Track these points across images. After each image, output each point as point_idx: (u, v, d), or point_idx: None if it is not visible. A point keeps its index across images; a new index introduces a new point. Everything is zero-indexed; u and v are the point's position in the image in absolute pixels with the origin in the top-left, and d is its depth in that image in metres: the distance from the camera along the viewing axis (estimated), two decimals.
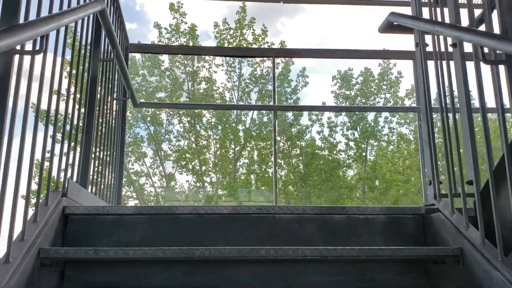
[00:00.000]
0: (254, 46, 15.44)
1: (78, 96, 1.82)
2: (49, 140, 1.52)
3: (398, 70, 16.00)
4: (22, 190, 1.28)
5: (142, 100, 14.40)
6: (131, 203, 15.10)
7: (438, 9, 1.79)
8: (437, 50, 1.76)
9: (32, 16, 1.34)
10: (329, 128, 15.69)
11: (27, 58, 1.28)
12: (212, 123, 15.61)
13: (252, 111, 15.68)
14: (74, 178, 1.82)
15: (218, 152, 15.58)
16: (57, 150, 1.64)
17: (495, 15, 1.57)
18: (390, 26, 1.98)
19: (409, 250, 1.51)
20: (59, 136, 1.63)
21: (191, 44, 15.50)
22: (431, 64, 1.83)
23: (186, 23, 15.57)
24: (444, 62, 1.71)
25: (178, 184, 15.57)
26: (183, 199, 15.43)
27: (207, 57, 15.54)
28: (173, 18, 15.62)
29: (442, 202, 1.69)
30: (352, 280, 1.59)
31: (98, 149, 2.22)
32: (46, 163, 1.49)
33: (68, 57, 2.57)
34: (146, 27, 19.71)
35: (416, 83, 3.45)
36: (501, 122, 1.36)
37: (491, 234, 1.40)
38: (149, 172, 15.47)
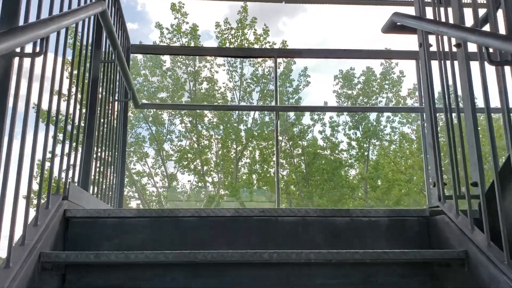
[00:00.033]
0: (255, 45, 15.43)
1: (79, 98, 1.81)
2: (50, 143, 1.51)
3: (400, 70, 15.98)
4: (23, 194, 1.27)
5: (144, 101, 14.45)
6: (133, 203, 15.11)
7: (442, 9, 1.77)
8: (440, 50, 1.74)
9: (32, 18, 1.33)
10: (331, 127, 15.67)
11: (27, 60, 1.27)
12: (214, 123, 15.61)
13: (253, 111, 15.69)
14: (75, 181, 1.80)
15: (220, 152, 15.57)
16: (58, 153, 1.62)
17: (499, 14, 1.55)
18: (393, 26, 1.97)
19: (414, 253, 1.49)
20: (60, 137, 1.62)
21: (192, 44, 15.49)
22: (434, 63, 1.82)
23: (187, 23, 15.57)
24: (448, 63, 1.69)
25: (180, 184, 15.58)
26: (185, 199, 15.43)
27: (208, 57, 15.54)
28: (175, 18, 15.62)
29: (447, 204, 1.67)
30: (356, 283, 1.57)
31: (99, 151, 2.21)
32: (47, 166, 1.48)
33: (69, 58, 2.56)
34: (148, 27, 19.71)
35: (419, 83, 3.44)
36: (507, 123, 1.34)
37: (496, 237, 1.38)
38: (151, 172, 15.48)
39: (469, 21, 1.72)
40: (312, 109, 15.67)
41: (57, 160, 1.59)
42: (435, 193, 1.75)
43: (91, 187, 2.10)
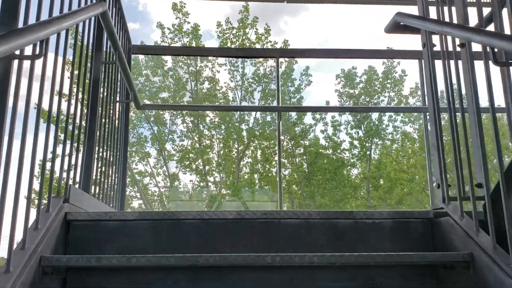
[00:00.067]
0: (257, 45, 15.42)
1: (80, 100, 1.80)
2: (51, 145, 1.50)
3: (402, 69, 15.96)
4: (22, 197, 1.25)
5: (145, 101, 14.46)
6: (135, 203, 15.13)
7: (445, 8, 1.75)
8: (444, 50, 1.72)
9: (32, 19, 1.31)
10: (333, 127, 15.66)
11: (28, 61, 1.25)
12: (215, 123, 15.60)
13: (255, 111, 15.69)
14: (76, 183, 1.79)
15: (222, 152, 15.57)
16: (58, 155, 1.61)
17: (504, 13, 1.53)
18: (396, 26, 1.94)
19: (418, 256, 1.47)
20: (60, 140, 1.61)
21: (194, 43, 15.49)
22: (437, 63, 1.80)
23: (189, 22, 15.57)
24: (452, 62, 1.67)
25: (182, 184, 15.59)
26: (187, 199, 15.43)
27: (210, 57, 15.52)
28: (176, 18, 15.62)
29: (451, 206, 1.65)
30: (360, 285, 1.55)
31: (100, 153, 2.19)
32: (47, 168, 1.46)
33: (70, 58, 2.55)
34: (149, 27, 19.73)
35: (422, 83, 3.41)
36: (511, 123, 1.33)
37: (502, 239, 1.37)
38: (153, 172, 15.49)
39: (472, 20, 1.70)
40: (315, 110, 15.66)
41: (57, 163, 1.57)
42: (439, 194, 1.73)
43: (92, 189, 2.08)
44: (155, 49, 4.70)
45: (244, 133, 15.61)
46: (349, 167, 15.47)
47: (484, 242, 1.41)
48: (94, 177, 2.09)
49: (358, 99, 15.99)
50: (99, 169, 2.19)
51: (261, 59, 15.51)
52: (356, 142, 15.55)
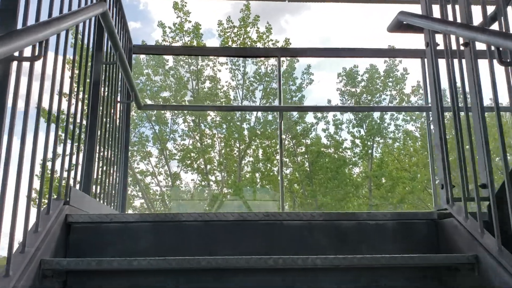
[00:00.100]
0: (258, 44, 15.39)
1: (80, 102, 1.78)
2: (51, 147, 1.48)
3: (404, 67, 15.91)
4: (22, 199, 1.24)
5: (146, 100, 14.45)
6: (137, 202, 15.13)
7: (449, 6, 1.73)
8: (448, 49, 1.70)
9: (31, 20, 1.30)
10: (334, 125, 15.62)
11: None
12: (217, 122, 15.58)
13: (257, 111, 15.67)
14: (77, 185, 1.78)
15: (223, 151, 15.55)
16: (58, 157, 1.60)
17: (508, 10, 1.51)
18: (399, 26, 1.92)
19: (422, 258, 1.46)
20: (61, 142, 1.59)
21: (195, 42, 15.46)
22: (440, 62, 1.78)
23: (190, 21, 15.54)
24: (456, 61, 1.65)
25: (184, 183, 15.58)
26: (188, 198, 15.43)
27: (211, 56, 15.49)
28: (177, 17, 15.59)
29: (455, 207, 1.64)
30: (363, 287, 1.54)
31: (101, 154, 2.18)
32: (47, 171, 1.45)
33: (70, 58, 2.53)
34: (150, 26, 19.71)
35: (424, 81, 3.39)
36: None
37: (507, 241, 1.35)
38: (154, 171, 15.48)
39: (476, 18, 1.68)
40: (316, 109, 15.61)
41: (58, 165, 1.56)
42: (443, 195, 1.72)
43: (93, 191, 2.07)
44: (156, 49, 4.68)
45: (246, 132, 15.59)
46: (351, 166, 15.44)
47: (489, 243, 1.39)
48: (95, 178, 2.08)
49: (360, 97, 15.95)
50: (100, 170, 2.18)
51: (262, 58, 15.48)
52: (357, 141, 15.52)
